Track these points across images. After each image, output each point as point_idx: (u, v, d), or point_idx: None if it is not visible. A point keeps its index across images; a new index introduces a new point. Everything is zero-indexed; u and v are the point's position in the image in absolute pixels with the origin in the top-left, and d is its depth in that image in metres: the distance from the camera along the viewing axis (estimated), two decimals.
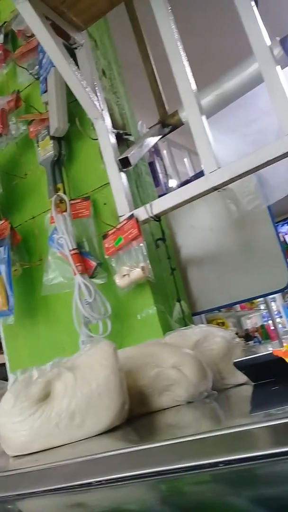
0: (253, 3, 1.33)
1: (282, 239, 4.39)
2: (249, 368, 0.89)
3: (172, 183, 2.51)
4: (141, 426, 0.77)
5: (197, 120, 1.31)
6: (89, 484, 0.53)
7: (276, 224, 1.58)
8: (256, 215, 1.55)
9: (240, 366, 0.90)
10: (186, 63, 1.37)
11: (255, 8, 1.32)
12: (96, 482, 0.52)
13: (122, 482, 0.50)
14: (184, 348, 0.95)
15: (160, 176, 2.21)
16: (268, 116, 1.59)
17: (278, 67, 1.27)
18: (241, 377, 0.97)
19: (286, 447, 0.43)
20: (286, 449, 0.43)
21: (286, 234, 4.74)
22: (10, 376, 0.81)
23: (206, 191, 1.28)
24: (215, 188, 1.28)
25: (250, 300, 3.16)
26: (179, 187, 2.24)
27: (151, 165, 2.13)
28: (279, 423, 0.47)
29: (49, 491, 0.56)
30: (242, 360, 0.91)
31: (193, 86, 1.35)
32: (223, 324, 2.47)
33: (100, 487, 0.52)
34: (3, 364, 1.58)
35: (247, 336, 3.62)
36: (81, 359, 0.83)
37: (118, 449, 0.55)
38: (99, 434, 0.75)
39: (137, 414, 0.86)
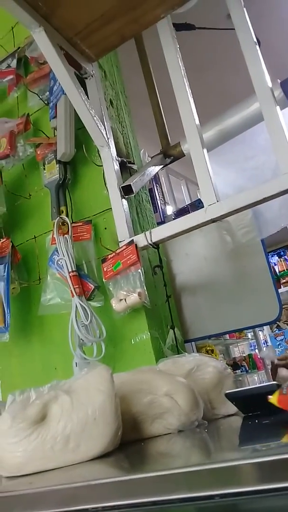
0: (257, 47, 1.40)
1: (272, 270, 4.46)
2: (240, 400, 0.91)
3: (169, 209, 2.56)
4: (133, 453, 0.79)
5: (199, 154, 1.36)
6: (86, 510, 0.54)
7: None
8: (250, 247, 1.59)
9: (231, 397, 0.93)
10: (191, 99, 1.43)
11: (258, 50, 1.39)
12: (93, 508, 0.53)
13: (118, 510, 0.51)
14: (177, 376, 0.97)
15: (158, 202, 2.25)
16: (265, 154, 1.65)
17: (278, 108, 1.33)
18: (231, 408, 0.99)
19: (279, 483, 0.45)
20: (278, 486, 0.45)
21: (275, 264, 4.81)
22: (9, 397, 0.82)
23: (205, 222, 1.32)
24: (213, 220, 1.32)
25: (241, 330, 3.19)
26: (175, 214, 2.29)
27: (150, 191, 2.18)
28: (270, 460, 0.49)
29: None
30: (233, 392, 0.93)
31: (197, 121, 1.40)
32: (212, 351, 2.49)
33: None
34: None
35: (235, 365, 3.63)
36: (78, 382, 0.84)
37: (115, 476, 0.56)
38: (92, 459, 0.76)
39: (129, 440, 0.87)
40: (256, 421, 0.80)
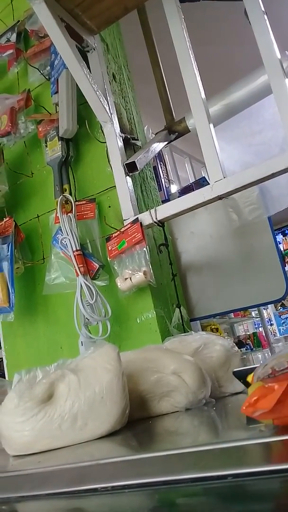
0: (265, 16, 1.35)
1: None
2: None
3: (173, 189, 2.53)
4: (141, 432, 0.78)
5: (205, 129, 1.32)
6: (95, 489, 0.53)
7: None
8: (256, 225, 1.57)
9: (239, 375, 0.92)
10: (196, 71, 1.38)
11: (266, 19, 1.34)
12: (102, 488, 0.53)
13: (129, 490, 0.51)
14: (185, 354, 0.96)
15: (163, 181, 2.22)
16: (273, 129, 1.61)
17: (287, 80, 1.29)
18: (239, 386, 0.98)
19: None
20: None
21: (280, 243, 4.79)
22: (15, 376, 0.81)
23: (211, 199, 1.30)
24: (219, 197, 1.30)
25: (247, 308, 3.19)
26: (179, 192, 2.26)
27: (154, 169, 2.14)
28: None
29: (53, 494, 0.57)
30: (241, 370, 0.93)
31: (203, 94, 1.36)
32: (217, 330, 2.49)
33: (106, 494, 0.53)
34: (1, 360, 1.58)
35: (239, 343, 3.64)
36: (85, 361, 0.83)
37: (125, 455, 0.56)
38: (99, 438, 0.76)
39: (136, 418, 0.87)
40: None
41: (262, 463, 0.47)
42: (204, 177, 2.70)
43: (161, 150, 2.24)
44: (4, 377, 1.54)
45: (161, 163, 2.33)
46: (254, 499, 0.46)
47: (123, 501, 0.52)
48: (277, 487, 0.45)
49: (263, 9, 1.33)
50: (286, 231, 5.50)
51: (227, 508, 0.45)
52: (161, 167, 2.31)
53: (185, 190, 2.21)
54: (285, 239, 4.87)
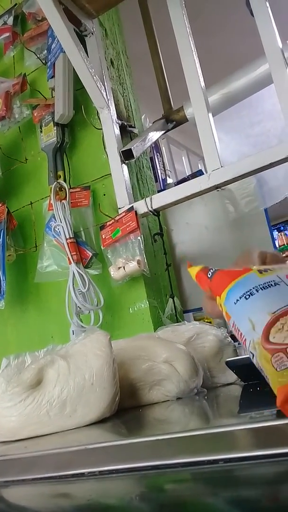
0: (267, 3, 1.33)
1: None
2: (240, 368, 0.89)
3: (170, 180, 2.50)
4: (131, 419, 0.77)
5: (204, 117, 1.30)
6: (82, 474, 0.52)
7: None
8: (253, 217, 1.55)
9: (231, 365, 0.91)
10: (196, 59, 1.36)
11: (269, 8, 1.32)
12: (89, 473, 0.51)
13: (116, 474, 0.49)
14: (177, 343, 0.94)
15: (159, 172, 2.19)
16: (272, 119, 1.59)
17: None
18: (231, 376, 0.97)
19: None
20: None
21: (275, 239, 4.79)
22: (3, 361, 0.80)
23: (208, 189, 1.28)
24: (216, 187, 1.28)
25: None
26: (175, 184, 2.23)
27: (151, 160, 2.12)
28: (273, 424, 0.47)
29: (40, 479, 0.55)
30: (234, 360, 0.91)
31: (202, 82, 1.34)
32: (210, 324, 2.47)
33: (93, 478, 0.51)
34: None
35: (232, 337, 3.63)
36: (75, 347, 0.82)
37: (112, 440, 0.54)
38: (88, 425, 0.74)
39: (126, 406, 0.85)
40: (258, 388, 0.78)
41: (254, 448, 0.45)
42: (200, 170, 2.67)
43: (158, 141, 2.22)
44: None
45: (157, 154, 2.31)
46: (245, 484, 0.45)
47: (111, 486, 0.50)
48: (269, 472, 0.44)
49: None
50: (282, 228, 5.50)
51: (218, 493, 0.44)
52: (157, 158, 2.28)
53: (182, 182, 2.18)
54: (281, 235, 4.86)
